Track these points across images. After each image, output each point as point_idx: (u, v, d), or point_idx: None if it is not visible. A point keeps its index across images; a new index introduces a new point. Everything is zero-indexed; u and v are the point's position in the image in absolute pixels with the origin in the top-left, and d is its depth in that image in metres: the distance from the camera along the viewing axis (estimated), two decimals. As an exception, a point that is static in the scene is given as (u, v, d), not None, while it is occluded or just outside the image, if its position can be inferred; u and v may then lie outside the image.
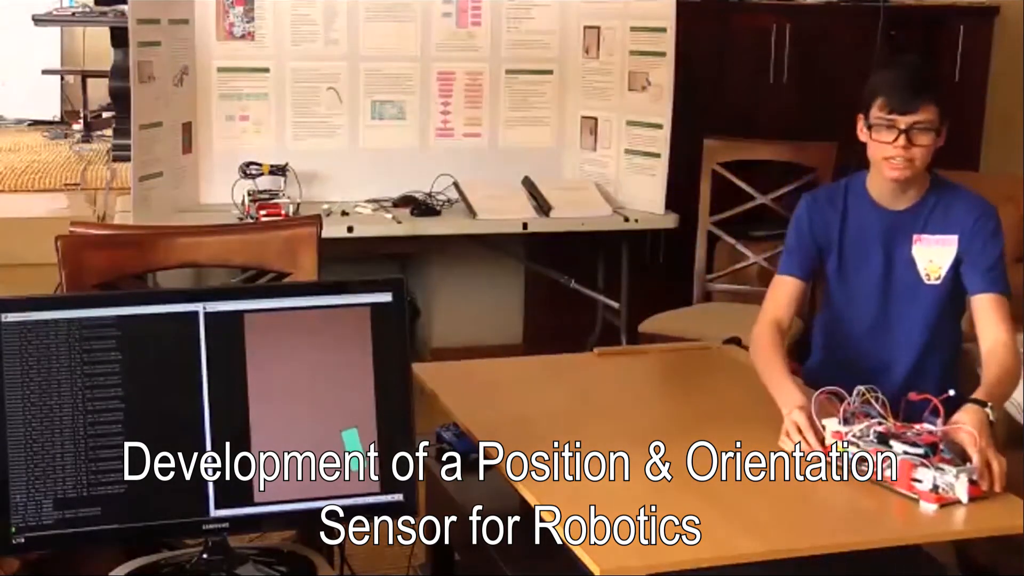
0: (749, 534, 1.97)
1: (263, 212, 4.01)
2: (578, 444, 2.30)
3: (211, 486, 1.96)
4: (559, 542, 1.95)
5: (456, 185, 4.37)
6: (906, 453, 2.09)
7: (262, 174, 4.13)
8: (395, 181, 4.39)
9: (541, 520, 2.02)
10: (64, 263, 2.46)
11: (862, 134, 2.57)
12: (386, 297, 2.04)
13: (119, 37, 5.56)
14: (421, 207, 4.27)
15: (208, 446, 1.95)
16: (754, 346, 2.61)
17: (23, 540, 1.89)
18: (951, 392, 2.23)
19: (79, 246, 2.50)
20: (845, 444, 2.17)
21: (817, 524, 2.03)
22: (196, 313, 1.97)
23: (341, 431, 2.00)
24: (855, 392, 2.23)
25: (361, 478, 2.01)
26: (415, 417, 2.05)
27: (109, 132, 6.41)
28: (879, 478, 2.12)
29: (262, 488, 1.98)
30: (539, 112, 4.59)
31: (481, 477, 2.46)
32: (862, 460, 2.14)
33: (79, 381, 1.91)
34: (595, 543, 1.89)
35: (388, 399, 2.02)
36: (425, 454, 2.61)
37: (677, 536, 1.94)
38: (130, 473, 1.92)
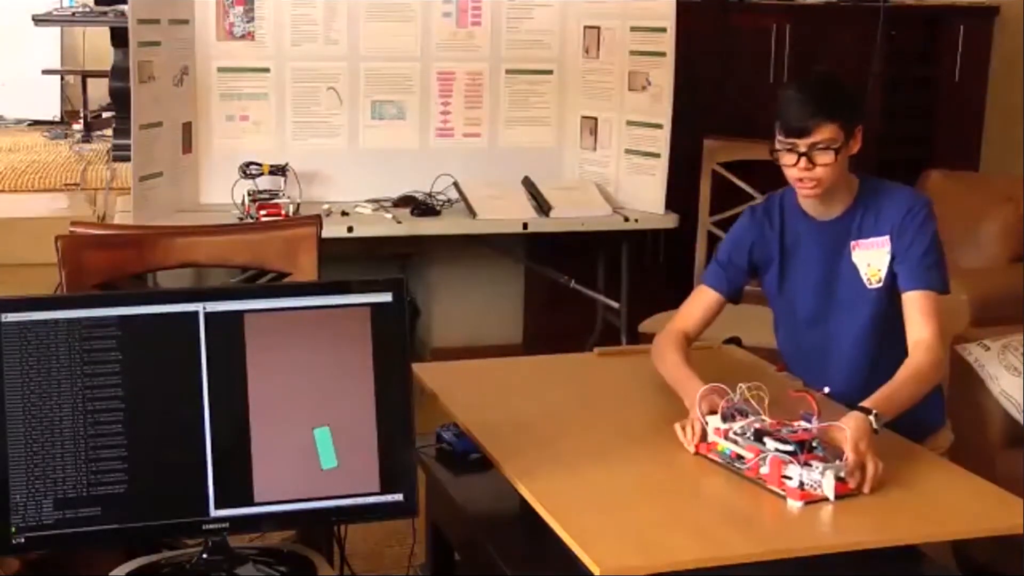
0: (749, 534, 1.97)
1: (263, 212, 4.00)
2: (578, 444, 2.30)
3: (211, 486, 1.96)
4: (559, 542, 1.95)
5: (456, 185, 4.37)
6: (777, 450, 2.09)
7: (262, 174, 4.13)
8: (395, 181, 4.39)
9: (541, 520, 2.02)
10: (64, 263, 2.46)
11: (772, 155, 2.55)
12: (386, 297, 2.05)
13: (119, 37, 5.57)
14: (421, 207, 4.27)
15: (208, 446, 1.95)
16: (657, 351, 2.61)
17: (23, 540, 1.89)
18: (826, 389, 2.24)
19: (79, 246, 2.50)
20: (726, 441, 2.19)
21: (816, 524, 2.03)
22: (196, 313, 1.97)
23: (313, 428, 2.00)
24: (737, 389, 2.24)
25: (331, 476, 2.01)
26: (415, 417, 2.06)
27: (109, 132, 6.41)
28: (756, 475, 2.13)
29: (262, 488, 1.98)
30: (539, 112, 4.59)
31: (481, 477, 2.46)
32: (740, 457, 2.16)
33: (79, 381, 1.91)
34: (595, 543, 1.89)
35: (388, 399, 2.02)
36: (425, 454, 2.61)
37: (677, 536, 1.94)
38: (130, 473, 1.92)
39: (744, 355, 2.91)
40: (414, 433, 2.07)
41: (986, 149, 5.31)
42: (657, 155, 4.33)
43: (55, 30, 7.59)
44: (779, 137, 2.51)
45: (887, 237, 2.55)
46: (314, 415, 2.00)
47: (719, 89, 4.84)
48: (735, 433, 2.18)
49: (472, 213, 4.26)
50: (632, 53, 4.37)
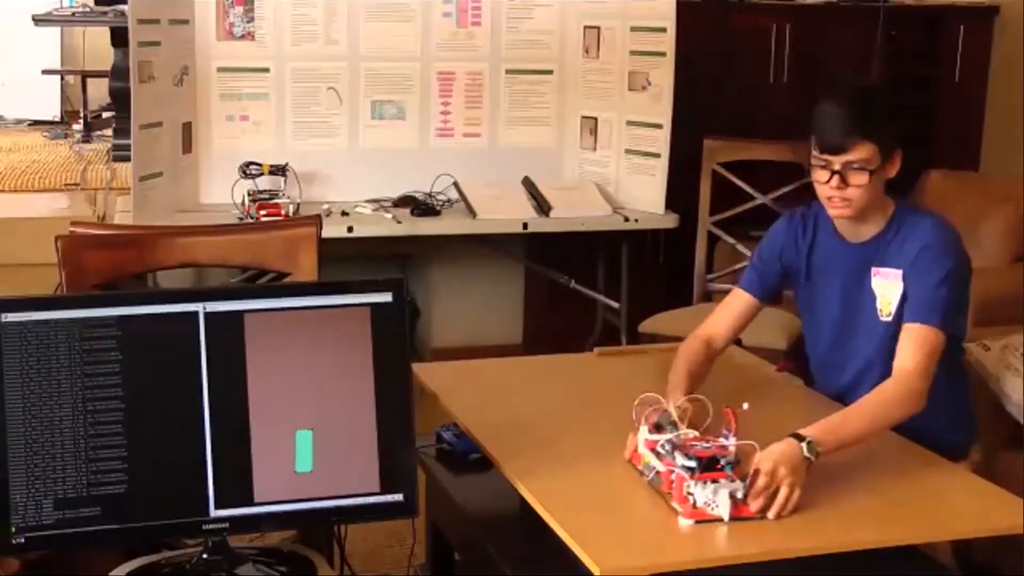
0: (749, 534, 1.97)
1: (263, 212, 4.01)
2: (578, 444, 2.30)
3: (211, 486, 1.96)
4: (559, 542, 1.95)
5: (456, 185, 4.37)
6: (682, 466, 2.01)
7: (262, 174, 4.13)
8: (395, 181, 4.39)
9: (541, 520, 2.02)
10: (64, 263, 2.46)
11: (807, 169, 2.49)
12: (386, 297, 2.04)
13: (119, 37, 5.56)
14: (421, 207, 4.27)
15: (208, 446, 1.95)
16: (677, 353, 2.56)
17: (23, 540, 1.89)
18: (745, 405, 2.07)
19: (79, 246, 2.50)
20: (651, 453, 2.12)
21: (816, 524, 2.03)
22: (196, 313, 1.97)
23: (295, 431, 1.99)
24: (670, 401, 2.20)
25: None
26: (415, 417, 2.06)
27: (109, 132, 6.40)
28: (668, 489, 2.05)
29: (262, 488, 1.98)
30: (539, 112, 4.59)
31: (481, 477, 2.46)
32: (657, 471, 2.09)
33: (79, 381, 1.91)
34: (595, 543, 1.89)
35: (388, 399, 2.02)
36: (425, 454, 2.61)
37: (677, 536, 1.94)
38: (130, 473, 1.92)
39: (743, 355, 2.91)
40: (414, 433, 2.07)
41: (986, 149, 5.31)
42: (657, 155, 4.33)
43: (55, 30, 7.58)
44: (814, 152, 2.43)
45: (901, 272, 2.48)
46: (314, 415, 2.00)
47: (719, 89, 4.84)
48: (661, 446, 2.09)
49: (472, 213, 4.26)
50: (632, 53, 4.38)
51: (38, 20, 6.35)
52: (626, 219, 4.35)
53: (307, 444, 1.99)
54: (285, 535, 2.33)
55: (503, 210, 4.29)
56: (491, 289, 5.07)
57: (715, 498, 1.98)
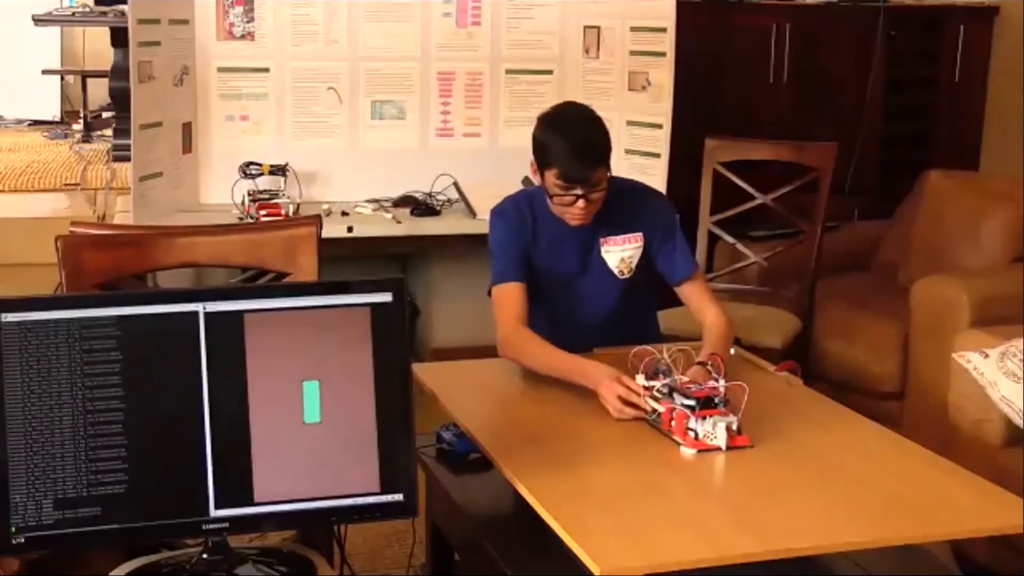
0: (749, 534, 1.97)
1: (263, 212, 4.00)
2: (578, 444, 2.30)
3: (211, 486, 1.96)
4: (559, 542, 1.95)
5: (456, 185, 4.37)
6: (683, 405, 2.30)
7: (262, 174, 4.13)
8: (395, 181, 4.39)
9: (541, 520, 2.02)
10: (64, 263, 2.46)
11: (535, 177, 2.79)
12: (386, 297, 2.05)
13: (119, 37, 5.57)
14: (421, 207, 4.27)
15: (208, 446, 1.95)
16: (517, 346, 2.76)
17: (23, 540, 1.89)
18: (732, 351, 2.64)
19: (79, 246, 2.50)
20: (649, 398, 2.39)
21: (817, 524, 2.04)
22: (196, 313, 1.97)
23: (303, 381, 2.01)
24: (664, 350, 2.48)
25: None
26: (415, 417, 2.06)
27: (109, 132, 6.41)
28: (668, 428, 2.32)
29: (262, 488, 1.98)
30: (539, 112, 4.58)
31: (481, 477, 2.46)
32: (658, 412, 2.35)
33: (79, 381, 1.91)
34: (595, 543, 1.89)
35: (388, 399, 2.02)
36: (425, 454, 2.61)
37: (677, 535, 1.94)
38: (130, 473, 1.92)
39: (742, 354, 2.91)
40: (414, 433, 2.07)
41: (986, 149, 5.31)
42: (657, 155, 4.33)
43: (55, 30, 7.59)
44: (554, 181, 2.70)
45: (640, 234, 2.83)
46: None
47: (719, 89, 4.83)
48: (657, 391, 2.37)
49: (472, 213, 4.26)
50: (632, 53, 4.37)
51: (38, 20, 6.35)
52: (626, 219, 4.35)
53: (315, 395, 2.00)
54: (285, 535, 2.33)
55: (503, 210, 4.28)
56: (491, 289, 5.06)
57: (714, 431, 2.26)
